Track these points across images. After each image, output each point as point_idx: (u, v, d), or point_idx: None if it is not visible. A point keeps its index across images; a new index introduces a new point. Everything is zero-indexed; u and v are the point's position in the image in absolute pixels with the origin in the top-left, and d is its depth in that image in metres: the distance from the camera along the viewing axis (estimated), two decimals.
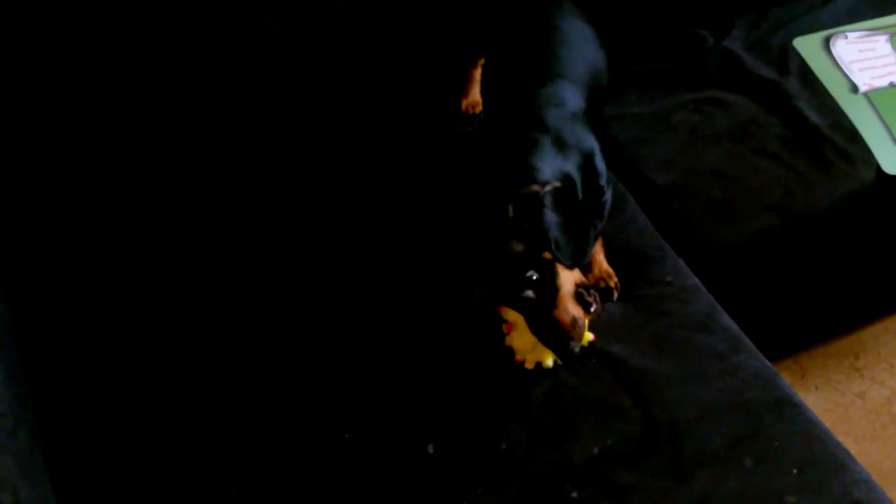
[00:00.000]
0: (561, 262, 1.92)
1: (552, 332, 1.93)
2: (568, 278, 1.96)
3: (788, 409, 2.01)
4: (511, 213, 1.91)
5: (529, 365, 2.07)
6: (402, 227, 2.39)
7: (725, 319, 2.18)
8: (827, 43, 2.80)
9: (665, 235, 2.37)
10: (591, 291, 2.01)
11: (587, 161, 2.10)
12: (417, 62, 2.73)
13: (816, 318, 2.82)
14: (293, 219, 2.44)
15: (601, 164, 2.15)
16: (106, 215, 2.43)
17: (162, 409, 2.06)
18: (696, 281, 2.25)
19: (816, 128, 2.58)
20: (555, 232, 1.91)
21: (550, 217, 1.91)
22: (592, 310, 1.99)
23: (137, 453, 2.01)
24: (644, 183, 2.49)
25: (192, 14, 2.39)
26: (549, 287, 1.93)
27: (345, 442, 1.98)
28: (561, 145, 2.07)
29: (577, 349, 1.92)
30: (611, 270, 2.22)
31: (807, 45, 2.80)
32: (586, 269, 2.20)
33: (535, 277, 1.91)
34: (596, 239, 2.19)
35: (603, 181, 2.16)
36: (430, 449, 1.96)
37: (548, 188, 1.94)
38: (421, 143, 2.60)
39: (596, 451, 1.94)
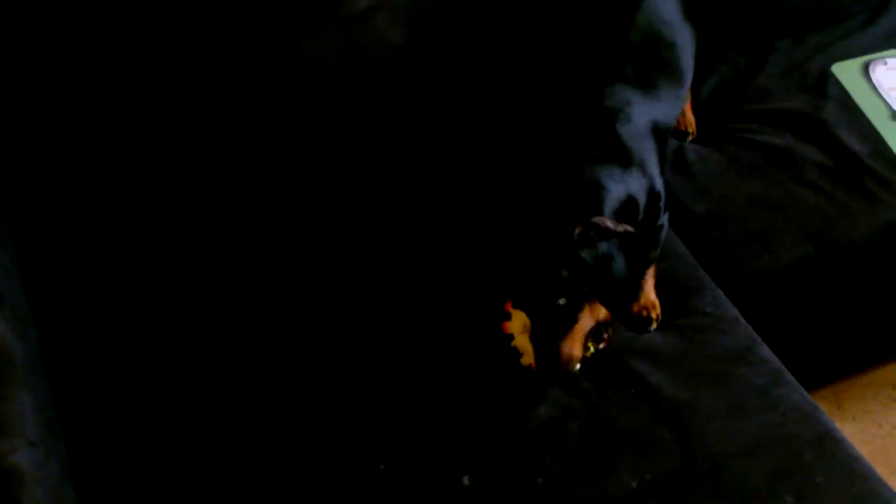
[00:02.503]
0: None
1: (548, 355, 1.95)
2: (589, 315, 1.97)
3: (830, 445, 1.99)
4: (575, 237, 1.90)
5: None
6: (429, 228, 2.40)
7: (765, 352, 2.15)
8: (866, 69, 2.77)
9: (703, 264, 2.34)
10: (609, 329, 2.05)
11: (650, 183, 2.08)
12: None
13: (854, 348, 2.79)
14: (309, 223, 2.43)
15: (661, 187, 2.13)
16: (114, 224, 2.42)
17: (193, 442, 2.04)
18: (736, 312, 2.22)
19: (856, 155, 2.55)
20: (606, 275, 1.89)
21: (609, 258, 1.89)
22: (601, 346, 2.04)
23: (169, 483, 1.99)
24: (681, 211, 2.46)
25: (192, 14, 2.37)
26: (570, 316, 1.94)
27: (379, 473, 1.96)
28: (627, 163, 2.07)
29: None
30: (656, 301, 2.19)
31: (845, 71, 2.77)
32: (631, 295, 2.17)
33: (562, 303, 1.90)
34: (647, 267, 2.18)
35: (661, 203, 2.15)
36: (466, 481, 1.93)
37: (620, 229, 1.92)
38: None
39: (634, 485, 1.91)
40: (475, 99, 2.64)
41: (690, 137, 2.59)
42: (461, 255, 2.32)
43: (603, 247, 1.90)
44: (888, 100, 2.67)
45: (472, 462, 1.96)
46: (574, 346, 1.97)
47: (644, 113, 2.21)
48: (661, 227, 2.23)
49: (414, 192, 2.49)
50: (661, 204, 2.18)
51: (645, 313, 2.17)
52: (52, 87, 2.33)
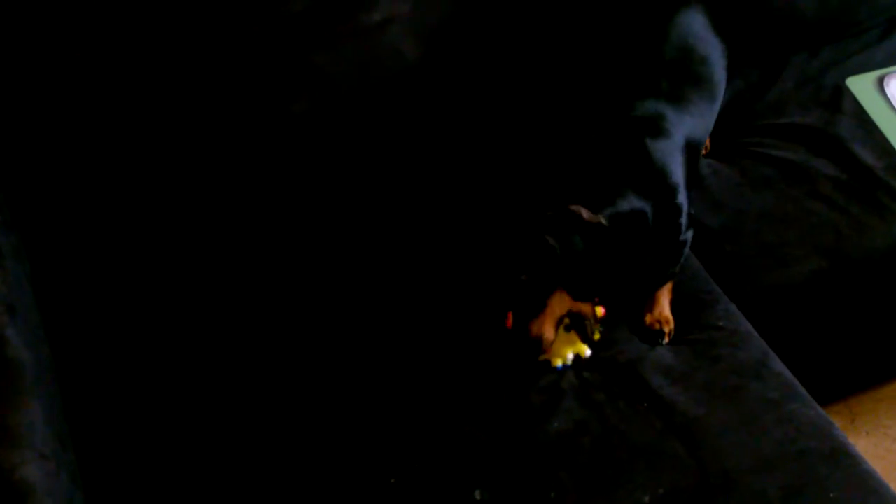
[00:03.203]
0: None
1: (518, 334, 2.00)
2: (561, 302, 2.00)
3: (844, 460, 1.98)
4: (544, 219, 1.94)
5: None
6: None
7: (778, 366, 2.15)
8: (881, 83, 2.76)
9: (716, 278, 2.34)
10: (594, 325, 2.09)
11: (669, 195, 2.08)
12: None
13: (868, 362, 2.78)
14: (319, 228, 2.45)
15: (684, 201, 2.14)
16: (124, 235, 2.42)
17: (203, 452, 2.03)
18: (749, 326, 2.22)
19: (870, 170, 2.54)
20: (571, 261, 1.93)
21: (579, 246, 1.94)
22: (595, 337, 2.10)
23: (178, 494, 1.98)
24: (694, 225, 2.44)
25: (206, 24, 2.37)
26: (538, 297, 1.98)
27: (390, 487, 1.94)
28: (645, 176, 2.10)
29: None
30: (669, 317, 2.21)
31: (860, 85, 2.76)
32: (645, 307, 2.21)
33: (524, 279, 1.96)
34: (665, 282, 2.22)
35: (683, 219, 2.16)
36: (478, 495, 1.92)
37: (592, 220, 1.95)
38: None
39: (647, 500, 1.90)
40: (488, 110, 2.64)
41: (704, 152, 2.59)
42: (469, 258, 2.33)
43: (569, 233, 1.95)
44: None
45: (484, 476, 1.95)
46: (544, 328, 2.00)
47: (677, 126, 2.22)
48: (684, 242, 2.24)
49: (423, 200, 2.50)
50: (683, 220, 2.18)
51: (657, 326, 2.18)
52: (62, 93, 2.33)
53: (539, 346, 2.02)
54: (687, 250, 2.27)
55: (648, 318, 2.21)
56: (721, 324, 2.22)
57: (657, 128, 2.19)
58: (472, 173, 2.55)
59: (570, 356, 2.11)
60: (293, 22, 2.40)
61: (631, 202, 2.07)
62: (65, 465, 1.74)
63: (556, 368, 2.12)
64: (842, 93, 2.76)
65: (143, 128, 2.40)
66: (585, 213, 1.95)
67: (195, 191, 2.48)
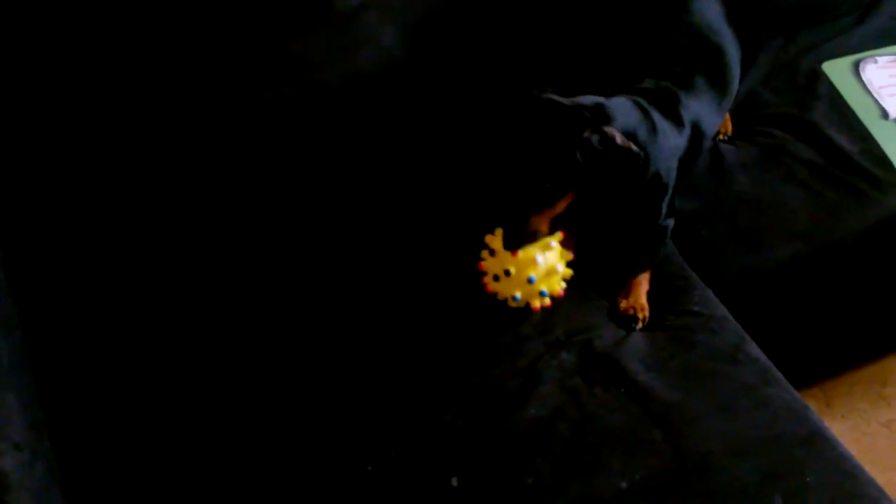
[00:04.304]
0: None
1: (519, 225, 2.00)
2: (560, 208, 2.02)
3: (819, 444, 1.98)
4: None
5: (498, 293, 2.15)
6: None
7: (754, 350, 2.15)
8: (857, 67, 2.77)
9: (691, 263, 2.34)
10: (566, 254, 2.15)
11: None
12: None
13: (843, 346, 2.79)
14: (292, 215, 2.44)
15: (670, 183, 2.18)
16: (110, 224, 2.41)
17: (179, 441, 2.03)
18: (725, 311, 2.22)
19: (846, 154, 2.55)
20: (590, 176, 1.96)
21: (603, 163, 1.96)
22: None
23: (154, 482, 1.98)
24: (676, 216, 2.45)
25: (180, 15, 2.37)
26: (550, 199, 1.99)
27: (367, 474, 1.94)
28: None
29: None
30: (644, 304, 2.22)
31: (836, 70, 2.77)
32: (621, 293, 2.24)
33: (548, 186, 1.98)
34: (642, 269, 2.25)
35: (665, 201, 2.20)
36: (455, 482, 1.92)
37: (625, 145, 1.98)
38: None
39: (624, 485, 1.90)
40: (467, 98, 2.63)
41: (722, 137, 2.62)
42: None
43: (600, 150, 1.95)
44: (878, 98, 2.67)
45: (460, 463, 1.95)
46: (542, 224, 2.01)
47: (684, 108, 2.22)
48: (664, 229, 2.27)
49: (404, 187, 2.49)
50: (665, 202, 2.20)
51: (631, 312, 2.19)
52: (39, 87, 2.33)
53: (533, 237, 2.02)
54: (667, 240, 2.30)
55: (623, 304, 2.22)
56: (697, 309, 2.22)
57: (662, 100, 2.19)
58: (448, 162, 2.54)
59: (518, 296, 2.12)
60: (268, 8, 2.39)
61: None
62: (40, 455, 1.74)
63: (514, 301, 2.14)
64: (818, 77, 2.77)
65: (112, 112, 2.40)
66: (619, 138, 1.96)
67: (174, 182, 2.47)
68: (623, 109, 2.07)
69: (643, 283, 2.25)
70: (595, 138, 1.94)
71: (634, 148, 1.99)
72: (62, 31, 2.32)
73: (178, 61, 2.40)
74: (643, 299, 2.23)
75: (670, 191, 2.20)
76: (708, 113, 2.29)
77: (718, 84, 2.35)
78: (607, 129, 1.97)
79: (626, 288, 2.24)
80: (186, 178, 2.47)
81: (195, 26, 2.37)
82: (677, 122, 2.19)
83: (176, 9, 2.36)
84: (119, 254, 2.36)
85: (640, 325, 2.20)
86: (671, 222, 2.28)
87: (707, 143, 2.36)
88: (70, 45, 2.31)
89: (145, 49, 2.37)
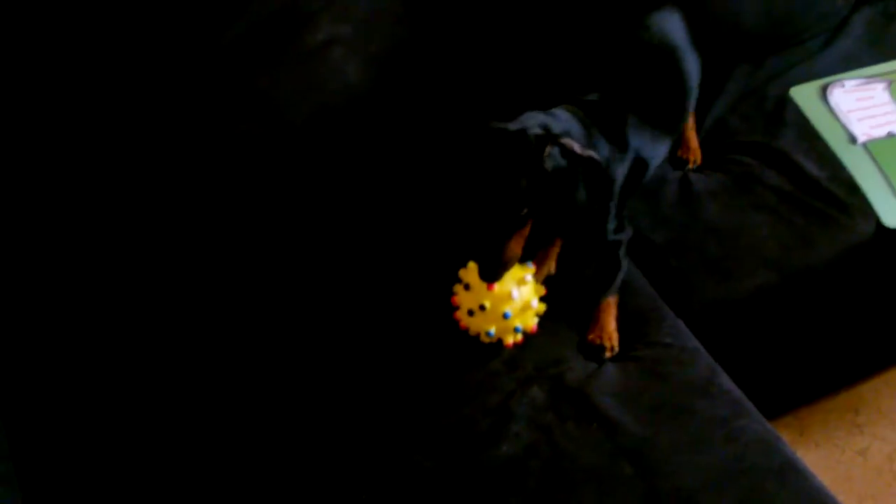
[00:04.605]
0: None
1: (494, 254, 1.98)
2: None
3: (792, 476, 1.98)
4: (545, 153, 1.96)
5: (471, 328, 2.14)
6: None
7: (726, 382, 2.14)
8: (824, 92, 2.76)
9: (662, 294, 2.34)
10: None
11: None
12: None
13: (816, 374, 2.78)
14: (267, 249, 2.44)
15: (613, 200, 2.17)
16: (103, 219, 2.42)
17: (168, 447, 2.07)
18: (696, 342, 2.22)
19: (815, 181, 2.55)
20: (565, 193, 1.99)
21: (568, 175, 1.98)
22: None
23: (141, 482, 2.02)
24: (640, 240, 2.45)
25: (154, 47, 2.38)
26: (523, 222, 1.99)
27: None
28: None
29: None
30: (613, 333, 2.22)
31: (803, 95, 2.75)
32: (590, 323, 2.23)
33: (524, 213, 1.97)
34: (605, 296, 2.26)
35: (610, 220, 2.20)
36: None
37: (585, 154, 1.99)
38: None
39: None
40: (430, 130, 2.63)
41: (691, 165, 2.62)
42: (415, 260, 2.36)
43: (563, 163, 1.96)
44: (846, 123, 2.66)
45: (432, 502, 1.94)
46: (516, 248, 2.01)
47: (634, 131, 2.24)
48: (617, 243, 2.28)
49: (372, 221, 2.49)
50: (611, 216, 2.21)
51: (598, 341, 2.19)
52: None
53: (509, 265, 2.01)
54: (622, 256, 2.28)
55: (591, 335, 2.21)
56: (668, 341, 2.22)
57: (607, 119, 2.19)
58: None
59: (492, 331, 2.12)
60: (235, 45, 2.38)
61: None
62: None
63: (488, 337, 2.14)
64: (785, 103, 2.77)
65: (107, 105, 2.40)
66: (577, 147, 1.97)
67: (164, 169, 2.47)
68: (566, 123, 2.09)
69: (610, 310, 2.24)
70: (556, 151, 1.96)
71: (595, 155, 2.01)
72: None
73: (145, 98, 2.39)
74: (611, 327, 2.22)
75: (613, 208, 2.19)
76: (651, 139, 2.30)
77: (671, 104, 2.38)
78: (565, 140, 1.98)
79: (594, 317, 2.24)
80: (155, 213, 2.46)
81: (158, 61, 2.36)
82: (621, 146, 2.20)
83: (140, 44, 2.35)
84: (107, 243, 2.40)
85: (608, 354, 2.19)
86: (624, 236, 2.28)
87: (653, 169, 2.36)
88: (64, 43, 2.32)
89: (111, 84, 2.36)
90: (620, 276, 2.28)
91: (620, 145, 2.20)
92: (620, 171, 2.21)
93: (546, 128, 2.02)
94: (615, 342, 2.20)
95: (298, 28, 2.49)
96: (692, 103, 2.44)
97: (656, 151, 2.34)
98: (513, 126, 2.01)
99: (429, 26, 2.69)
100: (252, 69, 2.45)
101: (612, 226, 2.22)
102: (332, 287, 2.33)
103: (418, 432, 2.06)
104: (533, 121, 2.04)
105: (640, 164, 2.27)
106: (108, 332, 2.26)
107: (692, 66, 2.42)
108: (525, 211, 1.97)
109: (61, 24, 2.31)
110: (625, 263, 2.29)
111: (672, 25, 2.42)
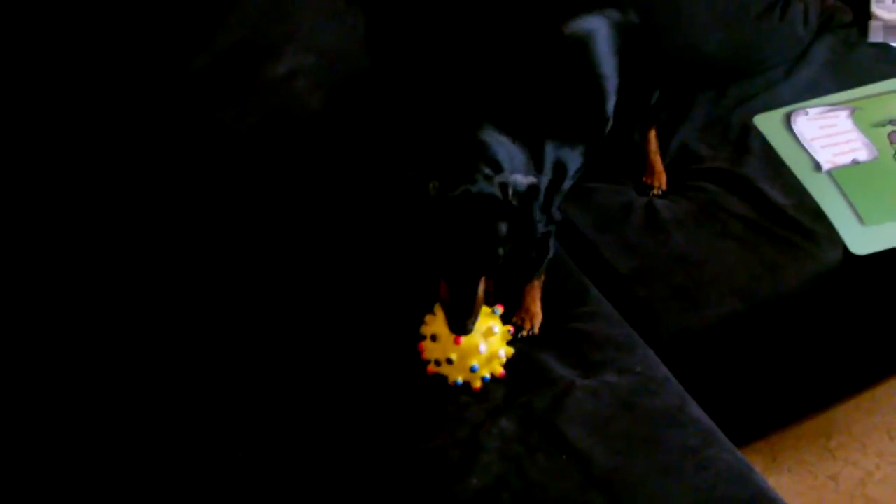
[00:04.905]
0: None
1: (467, 299, 2.00)
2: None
3: None
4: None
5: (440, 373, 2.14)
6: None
7: (696, 411, 2.13)
8: (788, 119, 2.77)
9: (630, 323, 2.32)
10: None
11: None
12: None
13: (786, 399, 2.78)
14: (291, 223, 2.48)
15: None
16: (100, 218, 2.41)
17: (157, 449, 2.07)
18: (666, 371, 2.21)
19: (780, 209, 2.55)
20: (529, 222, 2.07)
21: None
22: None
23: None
24: (606, 269, 2.45)
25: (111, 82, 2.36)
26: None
27: None
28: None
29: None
30: (536, 312, 2.27)
31: (767, 123, 2.77)
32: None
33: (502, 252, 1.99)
34: (529, 279, 2.27)
35: (540, 225, 2.18)
36: None
37: (527, 181, 2.02)
38: None
39: None
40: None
41: (656, 192, 2.63)
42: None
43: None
44: (810, 150, 2.67)
45: None
46: (484, 287, 2.04)
47: (549, 153, 2.24)
48: (547, 233, 2.27)
49: (339, 254, 2.48)
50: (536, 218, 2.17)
51: (520, 322, 2.24)
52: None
53: (478, 310, 2.03)
54: (551, 243, 2.28)
55: (515, 317, 2.26)
56: (638, 369, 2.20)
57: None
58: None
59: (459, 381, 2.13)
60: (195, 79, 2.37)
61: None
62: None
63: (455, 384, 2.13)
64: (749, 131, 2.78)
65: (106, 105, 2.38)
66: (521, 178, 2.02)
67: (162, 169, 2.45)
68: (507, 149, 2.11)
69: (535, 293, 2.27)
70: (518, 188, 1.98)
71: (534, 179, 2.05)
72: None
73: (110, 128, 2.38)
74: (535, 308, 2.26)
75: (538, 208, 2.16)
76: (570, 147, 2.31)
77: (585, 110, 2.37)
78: (518, 179, 2.01)
79: (522, 299, 2.27)
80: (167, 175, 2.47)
81: (119, 93, 2.35)
82: (540, 160, 2.21)
83: (99, 80, 2.34)
84: (104, 243, 2.41)
85: (524, 333, 2.23)
86: (553, 227, 2.27)
87: (572, 173, 2.36)
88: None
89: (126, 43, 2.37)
90: (547, 260, 2.28)
91: (539, 159, 2.21)
92: (544, 181, 2.21)
93: (498, 165, 2.05)
94: (536, 324, 2.25)
95: (262, 59, 2.48)
96: (611, 107, 2.42)
97: (573, 158, 2.33)
98: (479, 182, 2.01)
99: (390, 54, 2.69)
100: (215, 101, 2.43)
101: (541, 225, 2.19)
102: (300, 318, 2.32)
103: (388, 464, 2.03)
104: (483, 161, 2.05)
105: (559, 167, 2.28)
106: (104, 334, 2.28)
107: (608, 69, 2.40)
108: (502, 251, 1.98)
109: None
110: (552, 248, 2.29)
111: (591, 27, 2.41)
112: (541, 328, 2.27)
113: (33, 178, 2.36)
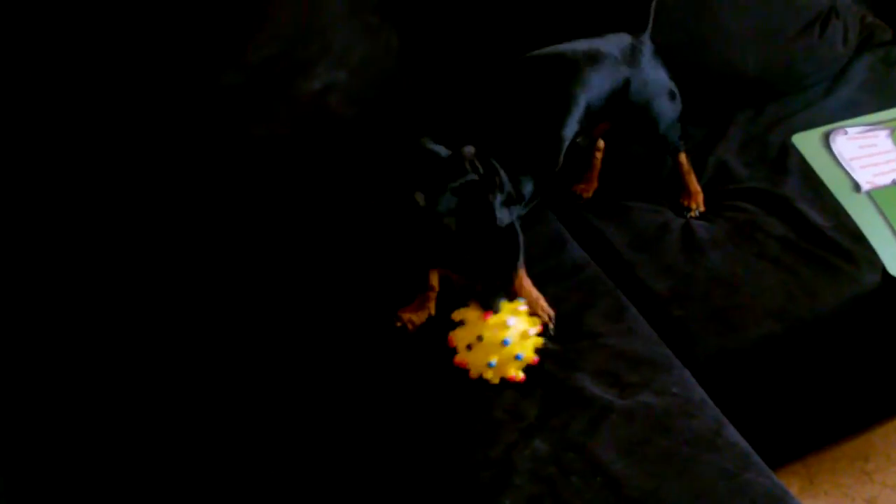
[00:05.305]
0: None
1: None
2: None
3: None
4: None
5: (471, 365, 2.15)
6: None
7: (732, 434, 2.10)
8: (827, 139, 2.75)
9: (666, 344, 2.30)
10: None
11: None
12: None
13: (824, 422, 2.75)
14: (291, 222, 2.48)
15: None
16: (101, 219, 2.42)
17: (158, 449, 2.07)
18: (703, 393, 2.18)
19: (819, 229, 2.53)
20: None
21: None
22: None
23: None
24: (641, 290, 2.42)
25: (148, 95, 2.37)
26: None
27: None
28: None
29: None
30: (536, 296, 2.25)
31: (806, 142, 2.75)
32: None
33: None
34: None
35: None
36: None
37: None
38: None
39: None
40: None
41: (693, 213, 2.62)
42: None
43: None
44: (849, 170, 2.65)
45: None
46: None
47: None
48: (511, 223, 2.21)
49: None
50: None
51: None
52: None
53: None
54: (517, 228, 2.24)
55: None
56: (675, 390, 2.17)
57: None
58: None
59: (493, 362, 2.13)
60: (229, 96, 2.37)
61: None
62: None
63: (489, 365, 2.14)
64: (788, 150, 2.76)
65: (105, 105, 2.38)
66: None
67: (162, 169, 2.45)
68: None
69: (523, 280, 2.25)
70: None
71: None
72: None
73: (140, 144, 2.38)
74: (533, 292, 2.25)
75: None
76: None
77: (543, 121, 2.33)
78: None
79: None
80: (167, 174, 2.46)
81: (152, 108, 2.36)
82: (518, 197, 2.21)
83: (135, 95, 2.34)
84: (105, 243, 2.42)
85: (547, 321, 2.24)
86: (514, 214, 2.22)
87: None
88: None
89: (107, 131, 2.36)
90: (522, 246, 2.24)
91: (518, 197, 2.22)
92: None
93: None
94: (545, 307, 2.24)
95: (294, 75, 2.48)
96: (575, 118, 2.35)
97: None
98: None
99: (423, 66, 2.69)
100: (247, 116, 2.43)
101: (500, 214, 2.13)
102: (333, 334, 2.30)
103: (419, 483, 2.01)
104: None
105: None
106: (103, 335, 2.29)
107: (594, 80, 2.36)
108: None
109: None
110: (520, 233, 2.24)
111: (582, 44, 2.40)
112: (574, 341, 2.25)
113: (70, 185, 2.39)
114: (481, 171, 2.04)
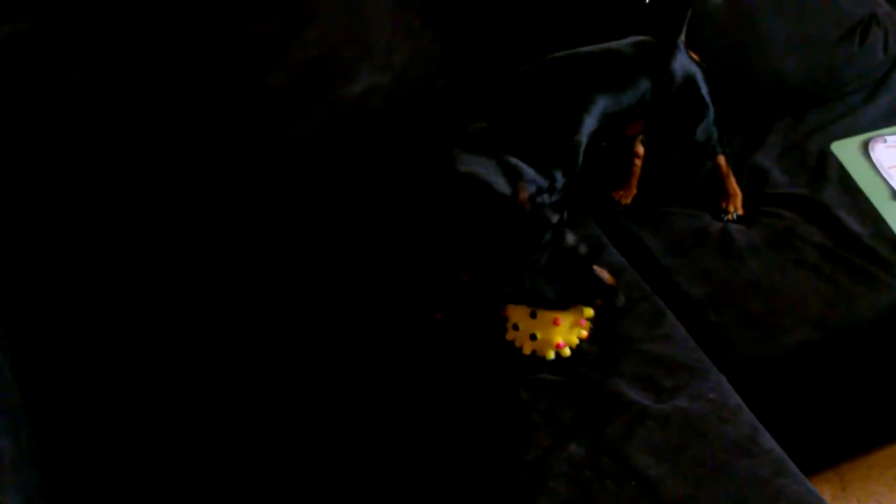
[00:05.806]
0: None
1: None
2: None
3: None
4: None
5: (526, 349, 2.21)
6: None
7: (768, 440, 2.11)
8: (866, 147, 2.75)
9: (702, 349, 2.30)
10: None
11: None
12: None
13: (858, 429, 2.75)
14: (295, 221, 2.49)
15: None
16: (104, 220, 2.41)
17: (172, 449, 2.08)
18: (738, 399, 2.18)
19: (857, 237, 2.53)
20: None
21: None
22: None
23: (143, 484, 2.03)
24: (678, 294, 2.43)
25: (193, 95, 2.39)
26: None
27: None
28: None
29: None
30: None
31: (845, 150, 2.75)
32: None
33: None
34: None
35: None
36: None
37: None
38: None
39: None
40: None
41: (731, 217, 2.64)
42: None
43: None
44: (888, 179, 2.65)
45: None
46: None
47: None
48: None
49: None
50: None
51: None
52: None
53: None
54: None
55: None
56: (711, 396, 2.18)
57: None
58: None
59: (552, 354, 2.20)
60: (272, 98, 2.39)
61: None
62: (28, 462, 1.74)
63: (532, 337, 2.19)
64: (827, 158, 2.76)
65: (105, 105, 2.37)
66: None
67: (164, 169, 2.45)
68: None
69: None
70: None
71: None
72: None
73: (183, 143, 2.40)
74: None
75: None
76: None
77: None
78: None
79: None
80: (169, 175, 2.46)
81: (197, 107, 2.37)
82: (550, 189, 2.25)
83: (179, 96, 2.36)
84: (108, 245, 2.41)
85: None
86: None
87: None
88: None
89: (152, 136, 2.37)
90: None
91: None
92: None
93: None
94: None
95: (337, 77, 2.49)
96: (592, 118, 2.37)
97: None
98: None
99: (465, 69, 2.71)
100: (290, 117, 2.45)
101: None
102: (370, 335, 2.32)
103: (456, 486, 2.02)
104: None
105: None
106: (107, 333, 2.30)
107: (610, 81, 2.40)
108: None
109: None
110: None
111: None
112: (611, 346, 2.28)
113: (106, 183, 2.39)
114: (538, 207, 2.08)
